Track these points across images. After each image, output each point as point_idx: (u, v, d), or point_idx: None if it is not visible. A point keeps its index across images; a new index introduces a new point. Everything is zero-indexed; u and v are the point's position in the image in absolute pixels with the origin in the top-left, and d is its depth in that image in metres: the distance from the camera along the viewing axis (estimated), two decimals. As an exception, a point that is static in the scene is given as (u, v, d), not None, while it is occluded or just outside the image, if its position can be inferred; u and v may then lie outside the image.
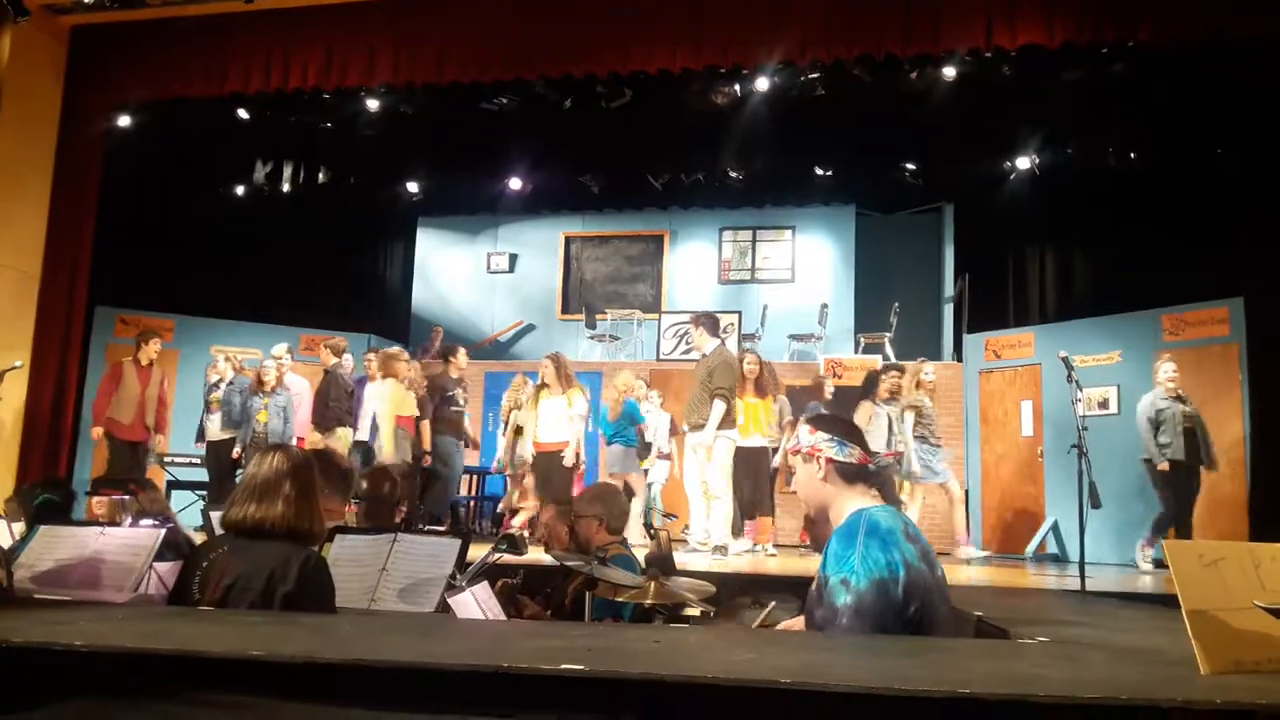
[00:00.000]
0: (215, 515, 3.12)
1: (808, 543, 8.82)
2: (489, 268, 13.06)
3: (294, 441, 7.98)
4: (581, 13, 7.52)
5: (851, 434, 2.61)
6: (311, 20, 7.81)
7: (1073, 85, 7.96)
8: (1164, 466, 7.18)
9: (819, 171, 10.46)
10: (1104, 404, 8.77)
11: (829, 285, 11.97)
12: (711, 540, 6.94)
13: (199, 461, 8.94)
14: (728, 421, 7.00)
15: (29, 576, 2.66)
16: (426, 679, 1.54)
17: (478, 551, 3.30)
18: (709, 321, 7.36)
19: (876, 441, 7.64)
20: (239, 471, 7.77)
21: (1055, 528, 8.71)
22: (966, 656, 1.91)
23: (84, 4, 7.80)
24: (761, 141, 9.45)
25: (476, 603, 2.74)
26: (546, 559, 4.33)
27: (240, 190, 10.76)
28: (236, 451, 8.22)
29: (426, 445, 7.98)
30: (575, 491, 7.06)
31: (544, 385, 7.87)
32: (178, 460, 9.01)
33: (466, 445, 8.81)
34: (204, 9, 7.86)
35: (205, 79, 8.08)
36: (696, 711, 1.47)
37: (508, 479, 8.97)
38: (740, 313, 11.84)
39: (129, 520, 3.84)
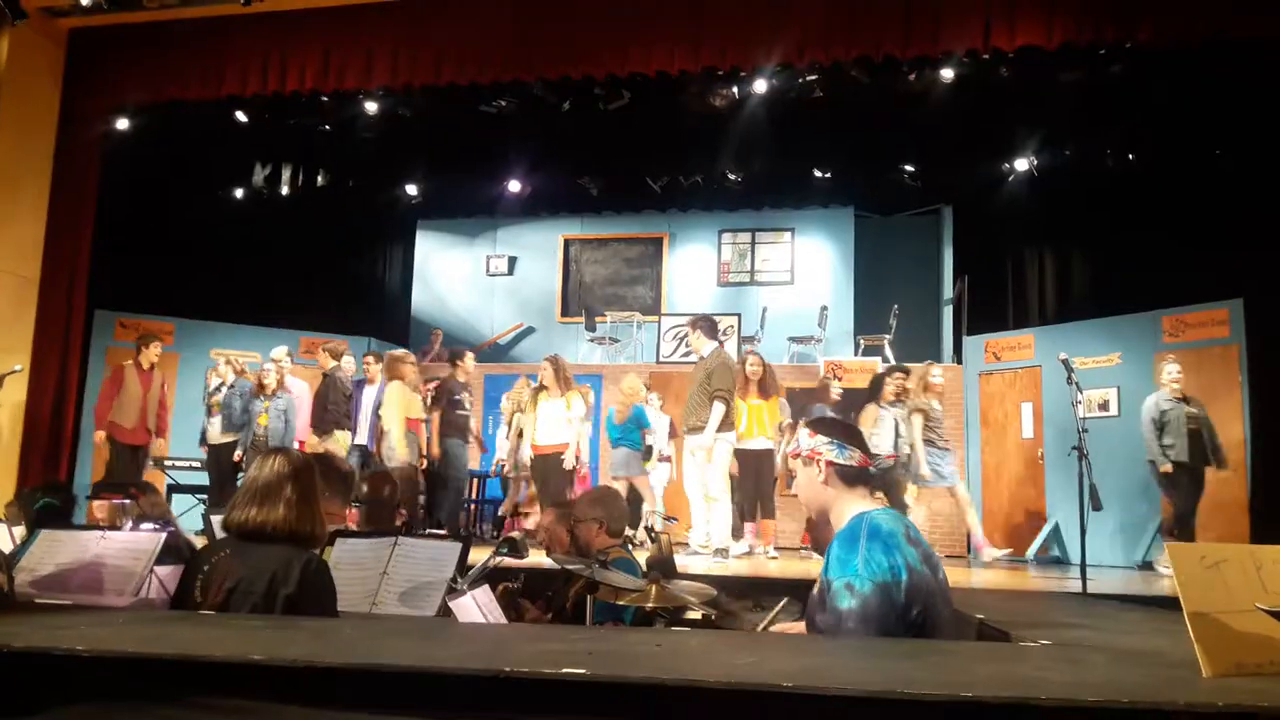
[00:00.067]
0: (216, 519, 3.12)
1: (809, 545, 8.81)
2: (488, 270, 13.06)
3: (295, 445, 7.98)
4: (579, 15, 7.51)
5: (851, 437, 2.61)
6: (309, 22, 7.81)
7: (1071, 86, 7.96)
8: (1166, 468, 7.16)
9: (818, 173, 10.48)
10: (1104, 406, 8.77)
11: (828, 287, 11.97)
12: (712, 543, 6.93)
13: (199, 465, 8.94)
14: (726, 424, 7.00)
15: (29, 581, 2.66)
16: (427, 683, 1.54)
17: (479, 555, 3.30)
18: (706, 324, 7.36)
19: (883, 444, 7.63)
20: (240, 475, 7.76)
21: (1056, 530, 8.70)
22: (968, 659, 1.91)
23: (82, 6, 7.78)
24: (760, 144, 9.46)
25: (477, 606, 2.74)
26: (547, 562, 4.33)
27: (239, 193, 10.77)
28: (238, 455, 8.22)
29: (435, 448, 7.98)
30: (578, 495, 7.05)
31: (542, 388, 7.85)
32: (178, 464, 9.01)
33: (473, 446, 8.81)
34: (201, 11, 7.85)
35: (203, 82, 8.07)
36: (698, 715, 1.46)
37: (511, 482, 8.96)
38: (740, 315, 11.85)
39: (130, 524, 3.84)
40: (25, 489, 5.53)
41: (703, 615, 3.31)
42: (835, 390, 8.52)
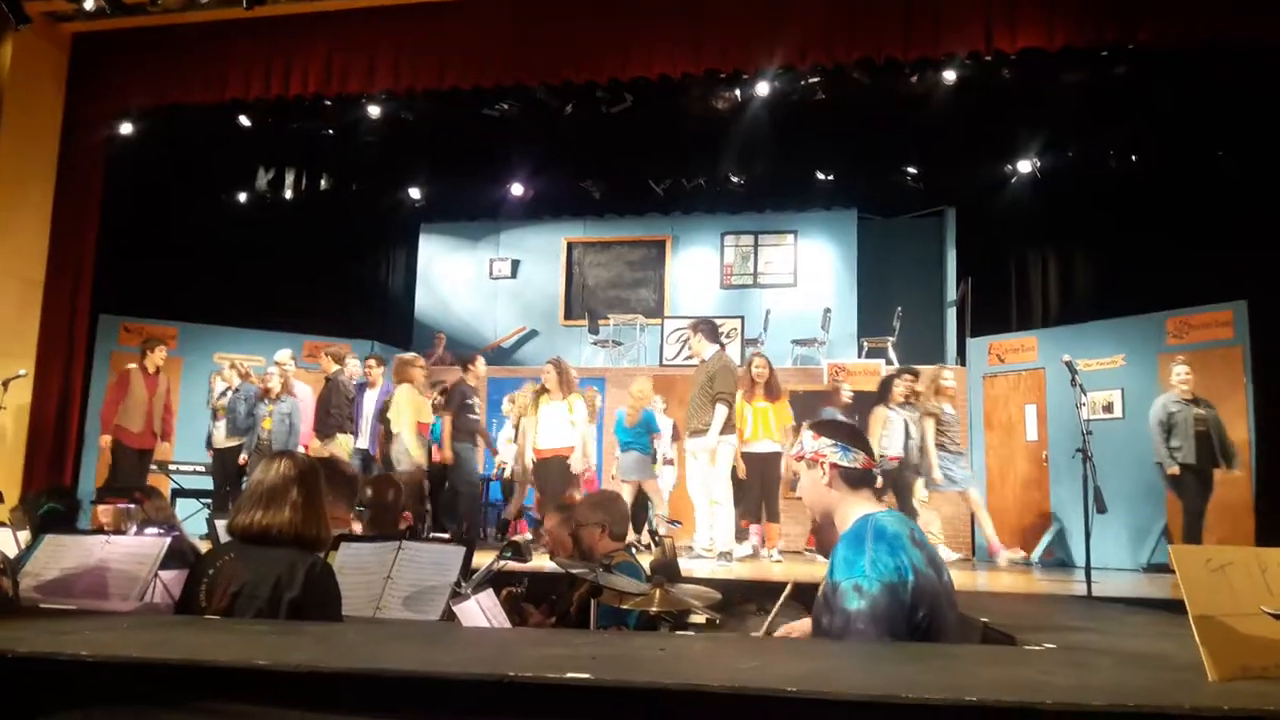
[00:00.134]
0: (220, 523, 3.12)
1: (813, 548, 8.80)
2: (491, 274, 13.07)
3: (299, 449, 7.98)
4: (581, 18, 7.52)
5: (855, 439, 2.60)
6: (311, 26, 7.82)
7: (1073, 88, 7.96)
8: (1173, 471, 7.13)
9: (820, 176, 10.48)
10: (1108, 408, 8.76)
11: (831, 290, 11.97)
12: (716, 546, 6.93)
13: (203, 469, 8.95)
14: (728, 426, 7.00)
15: (34, 586, 2.66)
16: (431, 687, 1.54)
17: (483, 559, 3.29)
18: (708, 328, 7.37)
19: (892, 445, 7.62)
20: (245, 479, 7.77)
21: (1061, 533, 8.69)
22: (973, 663, 1.91)
23: (85, 11, 7.80)
24: (762, 146, 9.46)
25: (481, 610, 2.73)
26: (551, 566, 4.33)
27: (242, 197, 10.79)
28: (242, 458, 8.23)
29: (448, 452, 7.98)
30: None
31: (544, 390, 7.82)
32: (182, 468, 9.02)
33: (481, 449, 8.82)
34: (204, 16, 7.87)
35: (206, 86, 8.09)
36: (702, 720, 1.46)
37: (517, 485, 8.96)
38: (743, 317, 11.85)
39: (134, 529, 3.84)
40: (30, 494, 5.56)
41: (707, 619, 3.30)
42: (846, 393, 8.50)
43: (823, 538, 8.07)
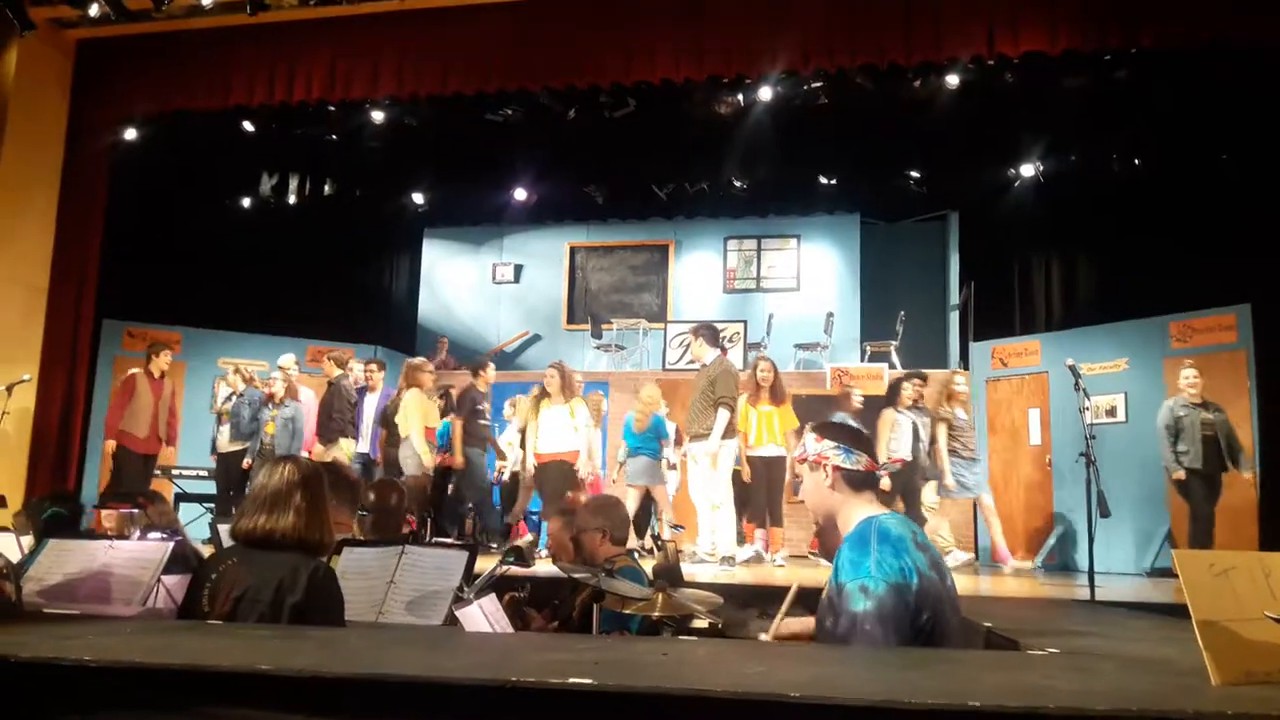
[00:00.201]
0: (224, 528, 3.12)
1: (817, 551, 8.79)
2: (494, 278, 13.09)
3: (303, 453, 7.99)
4: (583, 23, 7.53)
5: (858, 441, 2.60)
6: (314, 32, 7.84)
7: (1076, 92, 7.96)
8: (1179, 475, 7.11)
9: (823, 180, 10.47)
10: (1111, 412, 8.75)
11: (834, 294, 11.96)
12: (719, 551, 6.92)
13: (206, 474, 8.96)
14: (729, 431, 7.00)
15: (37, 590, 2.66)
16: (434, 692, 1.54)
17: (485, 564, 3.30)
18: (708, 332, 7.38)
19: (900, 448, 7.61)
20: (249, 483, 7.77)
21: (1064, 537, 8.67)
22: (976, 668, 1.90)
23: (90, 18, 7.83)
24: (765, 150, 9.47)
25: (484, 615, 2.73)
26: (553, 571, 4.32)
27: (246, 203, 10.81)
28: (246, 463, 8.24)
29: (459, 457, 7.98)
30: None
31: (545, 394, 7.79)
32: (185, 473, 9.03)
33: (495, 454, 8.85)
34: (208, 22, 7.89)
35: (210, 92, 8.12)
36: (705, 725, 1.46)
37: (520, 490, 8.94)
38: (746, 322, 11.84)
39: (137, 534, 3.84)
40: (33, 498, 5.56)
41: (709, 624, 3.30)
42: (857, 398, 8.49)
43: (825, 540, 8.02)
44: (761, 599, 5.00)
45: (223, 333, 10.57)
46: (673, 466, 9.03)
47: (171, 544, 2.83)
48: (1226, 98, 7.65)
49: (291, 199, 10.77)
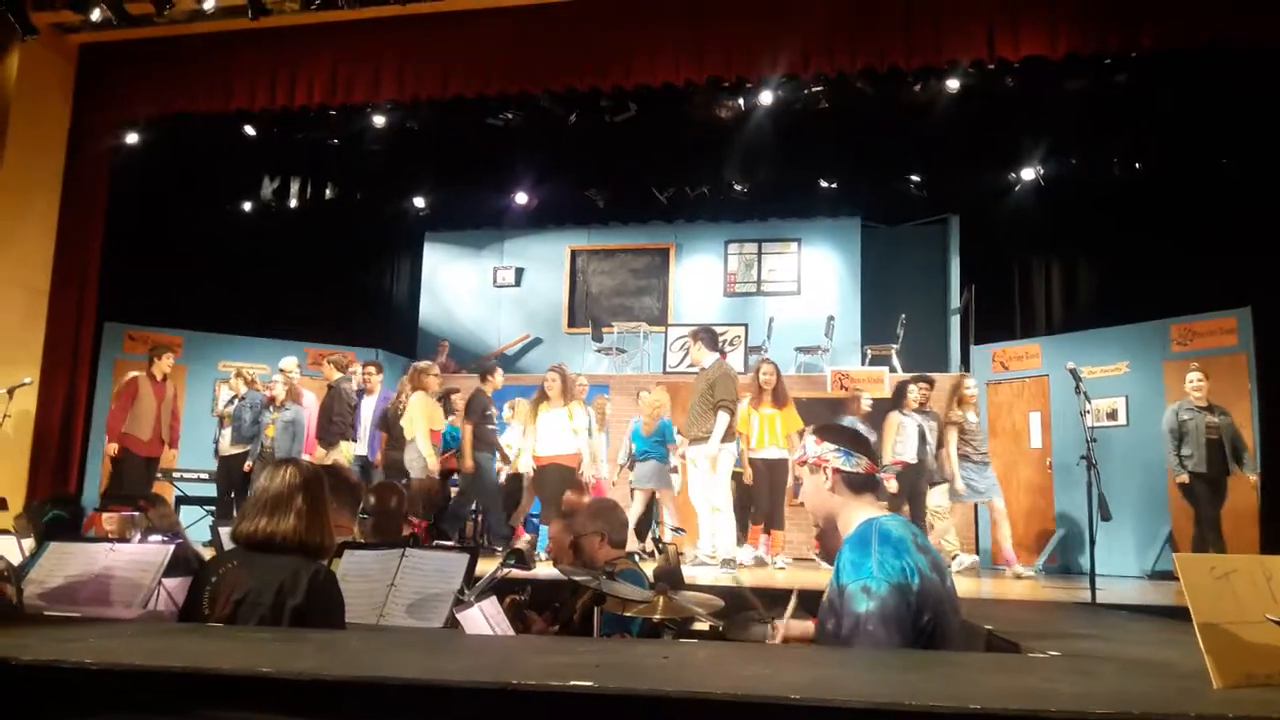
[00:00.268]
0: (224, 531, 3.12)
1: (819, 552, 8.77)
2: (495, 282, 13.10)
3: (304, 456, 7.99)
4: (584, 27, 7.54)
5: (858, 444, 2.60)
6: (316, 37, 7.85)
7: (1076, 95, 7.97)
8: (1182, 479, 7.10)
9: (824, 184, 10.48)
10: (1112, 415, 8.74)
11: (835, 297, 11.97)
12: (719, 554, 6.92)
13: (207, 477, 8.96)
14: (729, 434, 7.00)
15: (38, 593, 2.66)
16: (434, 696, 1.53)
17: (486, 566, 3.29)
18: (707, 336, 7.38)
19: (906, 451, 7.60)
20: (250, 486, 7.77)
21: (1064, 540, 8.66)
22: (977, 670, 1.90)
23: (92, 22, 7.84)
24: (766, 154, 9.47)
25: (485, 618, 2.73)
26: (554, 573, 4.32)
27: (247, 206, 10.83)
28: (248, 466, 8.24)
29: (469, 461, 7.98)
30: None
31: (544, 398, 7.78)
32: (185, 476, 9.03)
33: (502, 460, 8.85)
34: (210, 26, 7.91)
35: (211, 95, 8.13)
36: (706, 727, 1.46)
37: (524, 492, 8.93)
38: (746, 325, 11.84)
39: (138, 536, 3.84)
40: (34, 501, 5.57)
41: (710, 626, 3.29)
42: (865, 402, 8.47)
43: (826, 543, 8.02)
44: (763, 601, 4.99)
45: (224, 336, 10.58)
46: (673, 469, 9.03)
47: (172, 547, 2.83)
48: (1227, 100, 7.66)
49: (293, 202, 10.79)
